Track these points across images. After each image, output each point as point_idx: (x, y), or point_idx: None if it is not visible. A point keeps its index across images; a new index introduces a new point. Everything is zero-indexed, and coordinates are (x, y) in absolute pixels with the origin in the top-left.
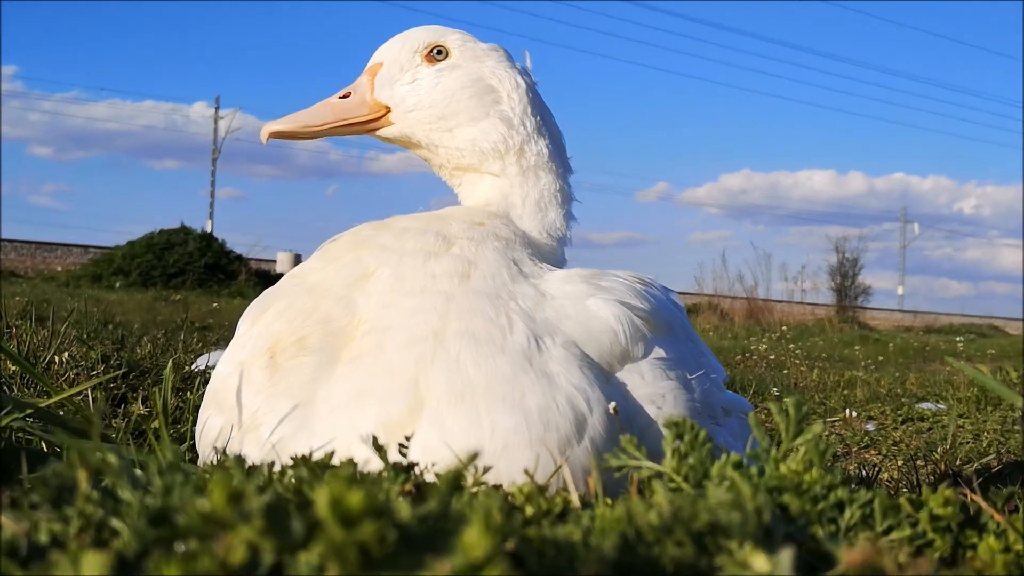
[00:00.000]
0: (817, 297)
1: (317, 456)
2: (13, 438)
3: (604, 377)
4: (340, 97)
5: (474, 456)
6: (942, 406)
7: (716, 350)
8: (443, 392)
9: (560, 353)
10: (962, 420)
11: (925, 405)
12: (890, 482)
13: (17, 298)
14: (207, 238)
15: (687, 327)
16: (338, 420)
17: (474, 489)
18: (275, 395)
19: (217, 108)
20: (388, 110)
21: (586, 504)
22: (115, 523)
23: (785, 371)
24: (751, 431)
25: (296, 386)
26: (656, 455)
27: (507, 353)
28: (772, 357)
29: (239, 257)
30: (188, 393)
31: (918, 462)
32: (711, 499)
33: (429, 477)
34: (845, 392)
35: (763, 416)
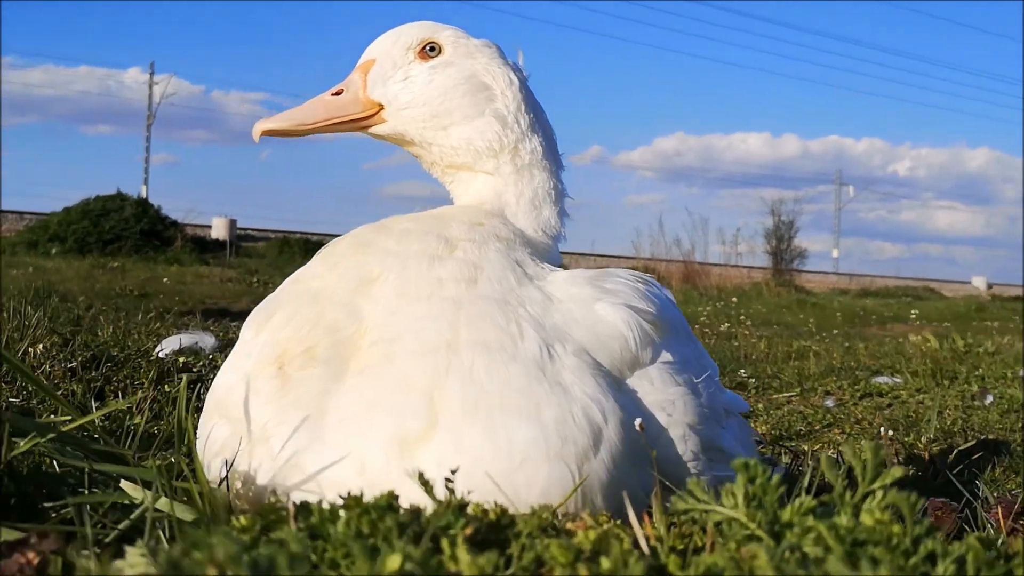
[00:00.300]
0: (753, 260)
1: (330, 473)
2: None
3: (616, 385)
4: (332, 94)
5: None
6: (898, 380)
7: None
8: (458, 405)
9: (572, 361)
10: (921, 396)
11: (881, 379)
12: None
13: None
14: (143, 204)
15: (687, 327)
16: (350, 433)
17: (525, 529)
18: (285, 407)
19: (152, 74)
20: (381, 107)
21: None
22: None
23: (735, 343)
24: (749, 431)
25: (306, 398)
26: (666, 463)
27: (519, 362)
28: (723, 328)
29: (175, 223)
30: (166, 385)
31: (883, 441)
32: (829, 568)
33: (465, 499)
34: (797, 363)
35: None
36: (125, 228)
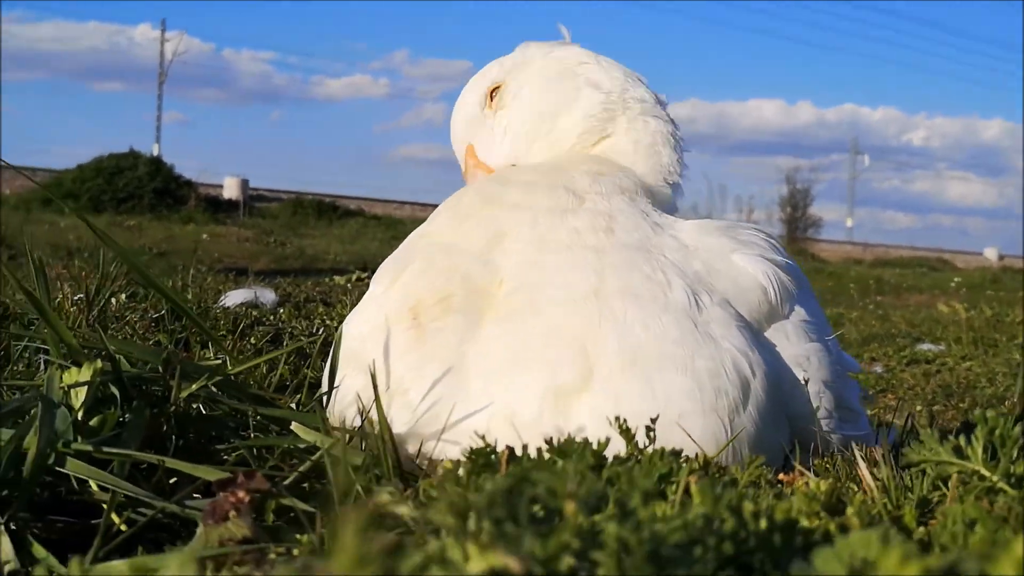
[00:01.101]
0: (768, 228)
1: (475, 424)
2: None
3: (756, 338)
4: None
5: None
6: (941, 347)
7: None
8: (614, 356)
9: (718, 312)
10: (968, 363)
11: (925, 346)
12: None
13: None
14: (156, 163)
15: (809, 284)
16: (497, 384)
17: (744, 478)
18: (422, 357)
19: (163, 31)
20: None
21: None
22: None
23: None
24: (864, 393)
25: (444, 348)
26: (801, 420)
27: (671, 312)
28: None
29: (188, 182)
30: (251, 338)
31: (935, 407)
32: None
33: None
34: (837, 329)
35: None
36: (139, 187)
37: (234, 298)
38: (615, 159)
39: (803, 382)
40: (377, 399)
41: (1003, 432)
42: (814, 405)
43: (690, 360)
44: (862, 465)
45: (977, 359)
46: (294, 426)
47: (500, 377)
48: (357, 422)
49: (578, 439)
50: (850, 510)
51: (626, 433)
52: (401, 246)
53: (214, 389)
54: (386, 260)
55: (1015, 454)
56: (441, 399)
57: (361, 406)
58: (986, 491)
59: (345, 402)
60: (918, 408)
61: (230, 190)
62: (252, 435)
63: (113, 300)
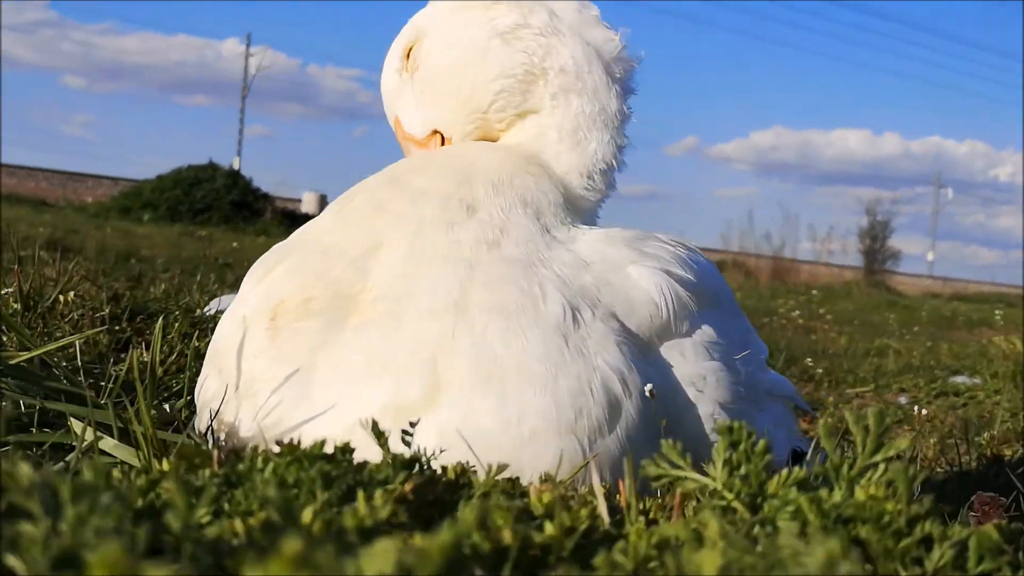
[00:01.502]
0: (845, 259)
1: (316, 431)
2: None
3: (643, 354)
4: None
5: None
6: (977, 380)
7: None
8: (466, 373)
9: (599, 328)
10: (998, 396)
11: (959, 379)
12: (924, 462)
13: (42, 229)
14: (234, 175)
15: (734, 301)
16: (343, 393)
17: (479, 490)
18: (275, 359)
19: (248, 45)
20: (436, 133)
21: (616, 512)
22: (12, 561)
23: (813, 336)
24: (793, 419)
25: (298, 351)
26: (692, 440)
27: (540, 327)
28: (800, 322)
29: (265, 195)
30: (196, 339)
31: (948, 441)
32: (779, 543)
33: (438, 466)
34: (875, 360)
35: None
36: (216, 198)
37: (224, 302)
38: (538, 151)
39: (694, 403)
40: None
41: (747, 448)
42: (707, 428)
43: (552, 378)
44: (595, 478)
45: (1008, 393)
46: (72, 421)
47: (348, 386)
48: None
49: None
50: (549, 525)
51: (380, 437)
52: (283, 242)
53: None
54: (263, 256)
55: (756, 468)
56: (286, 404)
57: (213, 408)
58: (723, 510)
59: (203, 402)
60: (932, 442)
61: (308, 205)
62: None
63: (61, 298)
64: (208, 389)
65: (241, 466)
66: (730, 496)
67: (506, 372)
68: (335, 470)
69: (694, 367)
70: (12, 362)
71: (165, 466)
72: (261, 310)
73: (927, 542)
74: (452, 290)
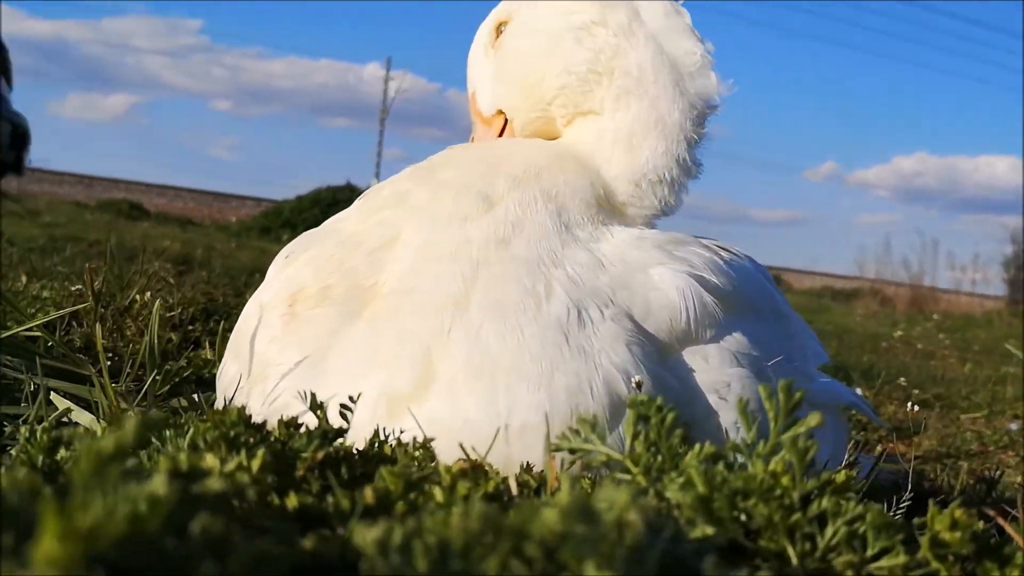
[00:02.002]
0: (987, 288)
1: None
2: None
3: (660, 357)
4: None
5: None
6: None
7: (866, 336)
8: (459, 366)
9: (609, 328)
10: None
11: None
12: (1017, 488)
13: (176, 244)
14: None
15: (777, 305)
16: (343, 383)
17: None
18: (287, 345)
19: (388, 69)
20: (500, 114)
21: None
22: None
23: (933, 361)
24: (844, 429)
25: (311, 338)
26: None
27: (539, 325)
28: (920, 346)
29: None
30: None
31: None
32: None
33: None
34: (995, 387)
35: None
36: None
37: None
38: (592, 152)
39: (715, 410)
40: None
41: (657, 422)
42: (730, 436)
43: (547, 375)
44: (555, 461)
45: None
46: (52, 396)
47: (349, 377)
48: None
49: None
50: (437, 490)
51: (319, 408)
52: (311, 231)
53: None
54: (291, 243)
55: (669, 444)
56: (294, 390)
57: (229, 393)
58: (628, 484)
59: (222, 387)
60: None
61: None
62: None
63: (138, 298)
64: (227, 373)
65: (168, 432)
66: (635, 470)
67: (499, 367)
68: (251, 435)
69: (718, 374)
70: (3, 336)
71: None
72: (280, 296)
73: (822, 520)
74: (454, 288)
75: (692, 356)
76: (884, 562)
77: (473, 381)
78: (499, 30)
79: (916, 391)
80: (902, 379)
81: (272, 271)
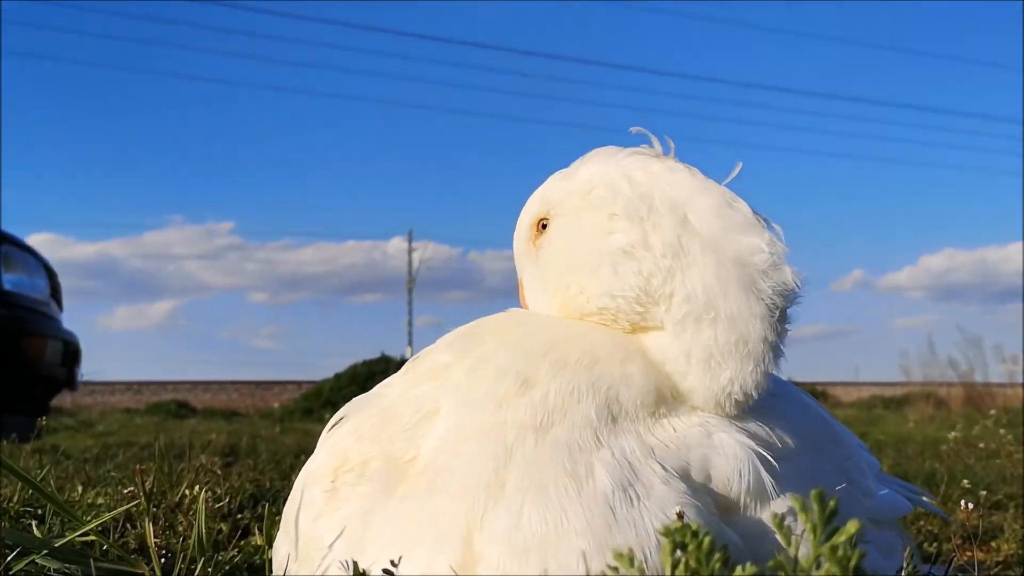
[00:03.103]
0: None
1: None
2: None
3: (722, 514)
4: None
5: None
6: None
7: (924, 442)
8: (502, 546)
9: (660, 493)
10: None
11: None
12: None
13: (222, 436)
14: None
15: (832, 430)
16: (380, 563)
17: None
18: (329, 525)
19: (410, 241)
20: None
21: None
22: None
23: (998, 460)
24: (910, 543)
25: (351, 515)
26: None
27: (583, 504)
28: (982, 445)
29: None
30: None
31: None
32: None
33: None
34: None
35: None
36: None
37: None
38: (657, 355)
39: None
40: None
41: (693, 549)
42: None
43: (596, 550)
44: None
45: None
46: None
47: (385, 557)
48: None
49: None
50: None
51: None
52: (360, 396)
53: (42, 563)
54: (342, 408)
55: (710, 571)
56: (335, 569)
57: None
58: None
59: (276, 564)
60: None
61: None
62: None
63: (187, 492)
64: (279, 553)
65: None
66: None
67: (546, 545)
68: None
69: (780, 508)
70: (57, 544)
71: None
72: (324, 469)
73: None
74: (486, 470)
75: (754, 510)
76: None
77: (520, 560)
78: (540, 226)
79: (984, 492)
80: (965, 481)
81: (321, 439)
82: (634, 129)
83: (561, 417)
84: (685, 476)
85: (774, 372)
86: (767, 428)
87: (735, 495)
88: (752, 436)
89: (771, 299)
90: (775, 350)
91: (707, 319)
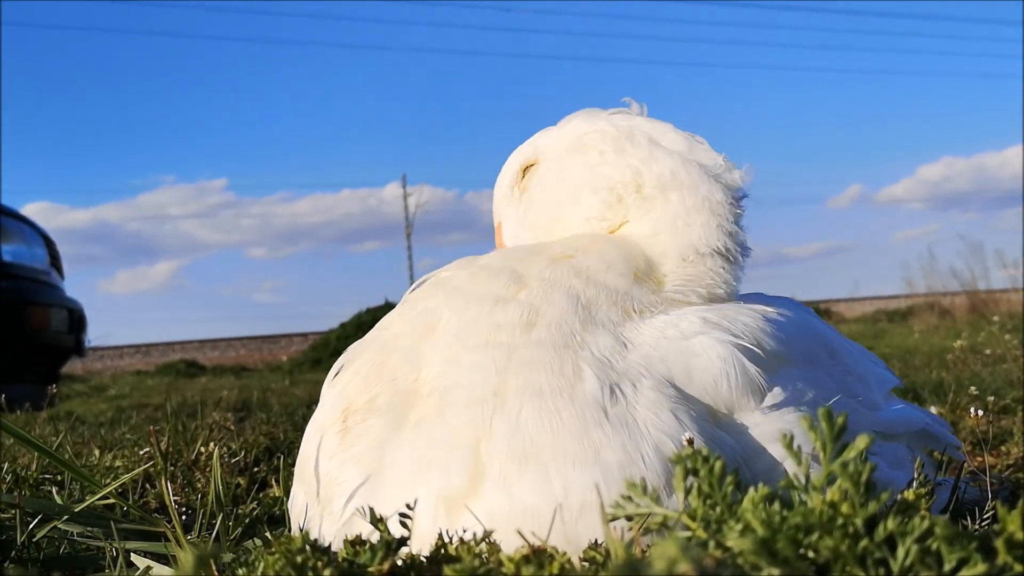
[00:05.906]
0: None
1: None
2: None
3: (712, 417)
4: None
5: None
6: None
7: (931, 352)
8: (504, 455)
9: (650, 396)
10: None
11: None
12: None
13: (233, 392)
14: None
15: (830, 345)
16: (401, 492)
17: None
18: (345, 462)
19: (405, 186)
20: None
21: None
22: None
23: (1005, 365)
24: (922, 456)
25: (366, 452)
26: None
27: (576, 405)
28: (988, 352)
29: None
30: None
31: None
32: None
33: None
34: None
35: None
36: None
37: None
38: (634, 238)
39: (780, 461)
40: None
41: (705, 474)
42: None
43: (593, 452)
44: (609, 530)
45: None
46: (133, 557)
47: (406, 485)
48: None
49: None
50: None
51: (379, 522)
52: (359, 340)
53: (64, 528)
54: (341, 356)
55: (723, 493)
56: (357, 509)
57: (300, 521)
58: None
59: (294, 517)
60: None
61: None
62: (114, 571)
63: (203, 450)
64: (296, 501)
65: (241, 571)
66: (693, 524)
67: (543, 451)
68: (317, 559)
69: (777, 423)
70: (77, 508)
71: None
72: (333, 413)
73: (891, 542)
74: (491, 378)
75: (745, 415)
76: (964, 572)
77: (520, 468)
78: (525, 172)
79: (992, 398)
80: (973, 388)
81: (324, 388)
82: (625, 99)
83: (541, 313)
84: (669, 382)
85: (735, 251)
86: (756, 343)
87: (721, 400)
88: (738, 345)
89: (726, 188)
90: (734, 215)
91: (673, 187)
